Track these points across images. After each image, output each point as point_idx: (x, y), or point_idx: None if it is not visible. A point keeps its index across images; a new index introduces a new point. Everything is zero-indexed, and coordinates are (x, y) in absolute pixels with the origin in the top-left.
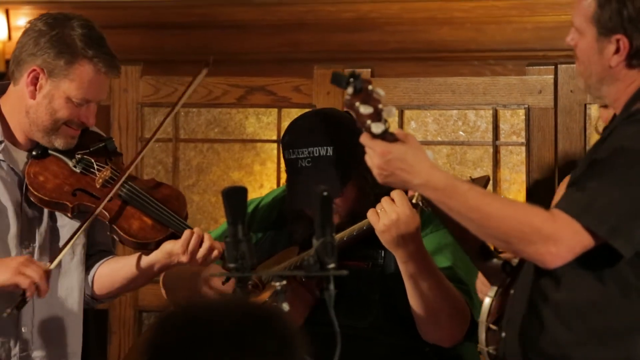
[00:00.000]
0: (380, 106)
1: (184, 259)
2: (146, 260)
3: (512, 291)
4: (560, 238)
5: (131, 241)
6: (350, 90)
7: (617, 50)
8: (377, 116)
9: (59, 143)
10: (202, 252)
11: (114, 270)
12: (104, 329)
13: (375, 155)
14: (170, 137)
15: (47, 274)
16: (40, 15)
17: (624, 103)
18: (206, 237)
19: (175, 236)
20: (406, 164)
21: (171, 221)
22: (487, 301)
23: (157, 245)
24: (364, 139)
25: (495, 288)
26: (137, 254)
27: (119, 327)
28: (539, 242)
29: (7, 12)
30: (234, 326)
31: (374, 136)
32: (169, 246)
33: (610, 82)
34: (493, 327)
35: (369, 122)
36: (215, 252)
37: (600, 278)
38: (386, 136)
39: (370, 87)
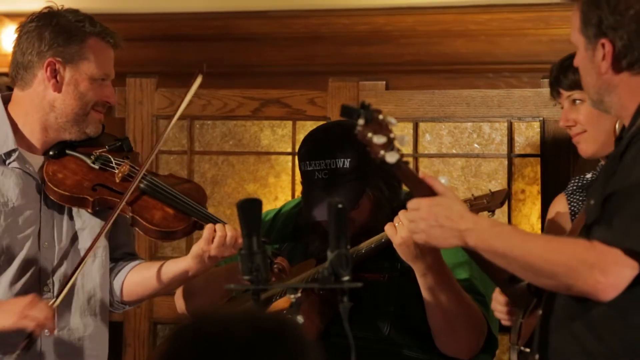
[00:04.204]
0: (392, 135)
1: (213, 253)
2: (179, 267)
3: (539, 311)
4: (606, 267)
5: (155, 230)
6: (361, 121)
7: (604, 56)
8: (389, 145)
9: (90, 129)
10: (227, 244)
11: (146, 279)
12: (119, 342)
13: (420, 210)
14: (185, 150)
15: (53, 311)
16: (27, 18)
17: (632, 112)
18: (227, 227)
19: (198, 224)
20: (451, 211)
21: (193, 210)
22: (515, 324)
23: (183, 234)
24: (407, 207)
25: (522, 311)
26: (168, 262)
27: (134, 340)
28: (585, 272)
29: None
30: (246, 339)
31: (390, 166)
32: (195, 248)
33: (608, 91)
34: (525, 349)
35: (382, 152)
36: (240, 241)
37: (635, 293)
38: (401, 165)
39: (381, 116)
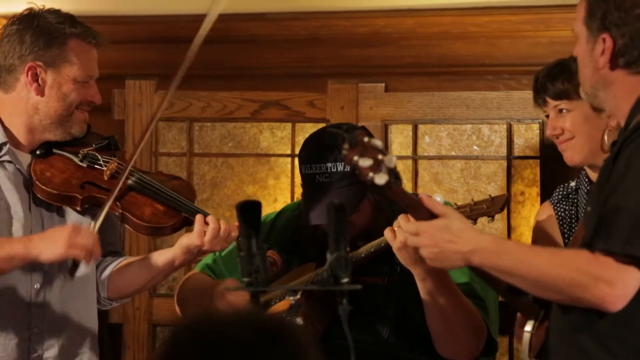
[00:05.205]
0: (379, 157)
1: (207, 247)
2: (165, 257)
3: (547, 322)
4: (611, 278)
5: (145, 226)
6: (346, 145)
7: (603, 51)
8: (377, 167)
9: (75, 130)
10: (220, 237)
11: (131, 272)
12: (119, 344)
13: (420, 237)
14: (184, 152)
15: (97, 236)
16: (8, 21)
17: (627, 112)
18: (220, 222)
19: (188, 220)
20: (452, 234)
21: (183, 206)
22: (526, 336)
23: (172, 229)
24: (407, 228)
25: (532, 322)
26: (153, 253)
27: (133, 342)
28: (591, 285)
29: None
30: (245, 340)
31: (380, 189)
32: (186, 240)
33: (604, 87)
34: None
35: (370, 174)
36: (233, 234)
37: (636, 297)
38: (392, 186)
39: (365, 139)
